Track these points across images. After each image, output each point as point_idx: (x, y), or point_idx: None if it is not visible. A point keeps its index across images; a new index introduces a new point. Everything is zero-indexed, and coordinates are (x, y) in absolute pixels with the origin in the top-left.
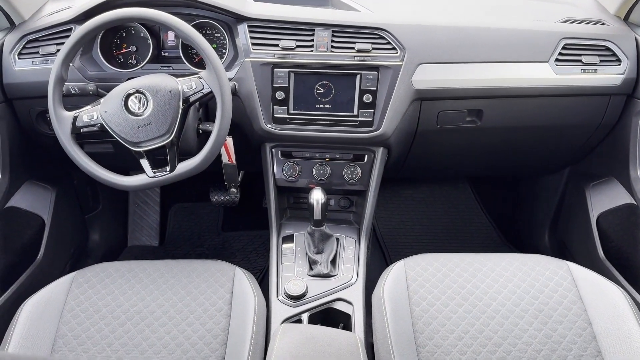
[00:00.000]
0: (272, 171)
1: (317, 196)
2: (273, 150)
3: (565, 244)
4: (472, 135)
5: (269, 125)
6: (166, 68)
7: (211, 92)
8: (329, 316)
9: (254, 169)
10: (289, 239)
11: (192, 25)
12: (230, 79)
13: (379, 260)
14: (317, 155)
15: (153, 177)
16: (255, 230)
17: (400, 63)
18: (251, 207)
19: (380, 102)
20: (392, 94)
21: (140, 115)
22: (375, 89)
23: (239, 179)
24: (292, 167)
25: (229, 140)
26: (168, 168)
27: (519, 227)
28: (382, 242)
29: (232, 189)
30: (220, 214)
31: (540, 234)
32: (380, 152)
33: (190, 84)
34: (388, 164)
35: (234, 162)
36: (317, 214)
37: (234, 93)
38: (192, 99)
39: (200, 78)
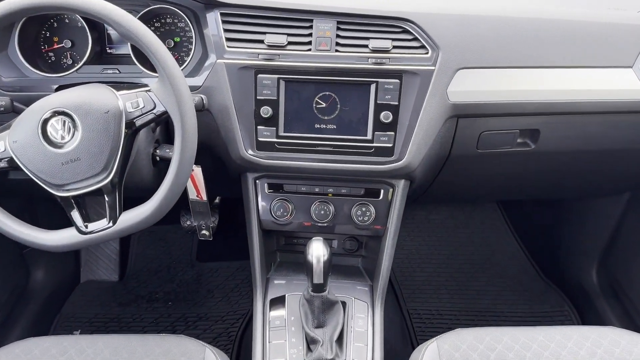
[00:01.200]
0: (255, 210)
1: (317, 252)
2: (257, 182)
3: (621, 282)
4: (522, 160)
5: (250, 152)
6: (111, 71)
7: (166, 112)
8: None
9: (235, 195)
10: (278, 302)
11: (145, 12)
12: (195, 90)
13: (391, 303)
14: (317, 190)
15: (86, 232)
16: (237, 261)
17: (432, 68)
18: (232, 232)
19: (403, 122)
20: (421, 110)
21: (65, 147)
22: (396, 103)
23: (214, 219)
24: (283, 206)
25: (197, 171)
26: (107, 220)
27: (559, 258)
28: (393, 277)
29: (204, 232)
30: (194, 240)
31: (587, 268)
32: (401, 186)
33: (135, 101)
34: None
35: (205, 198)
36: (318, 277)
37: (201, 109)
38: (138, 122)
39: (150, 92)
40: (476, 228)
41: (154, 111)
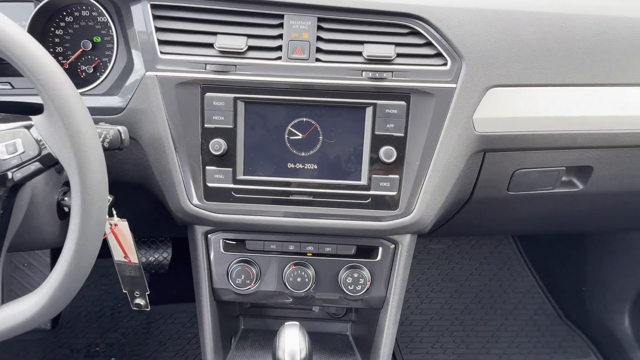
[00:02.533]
0: (205, 276)
1: (291, 346)
2: (210, 237)
3: None
4: (564, 203)
5: (196, 203)
6: (1, 85)
7: (57, 162)
8: None
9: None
10: None
11: (47, 3)
12: (116, 113)
13: None
14: (291, 248)
15: None
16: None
17: (453, 86)
18: (188, 268)
19: (412, 161)
20: (437, 144)
21: None
22: (402, 134)
23: (146, 288)
24: (245, 271)
25: (122, 227)
26: None
27: (584, 298)
28: None
29: (138, 301)
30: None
31: (619, 311)
32: (406, 242)
33: (12, 144)
34: None
35: (136, 260)
36: None
37: (118, 147)
38: (18, 175)
39: (30, 127)
40: (485, 259)
41: (40, 159)
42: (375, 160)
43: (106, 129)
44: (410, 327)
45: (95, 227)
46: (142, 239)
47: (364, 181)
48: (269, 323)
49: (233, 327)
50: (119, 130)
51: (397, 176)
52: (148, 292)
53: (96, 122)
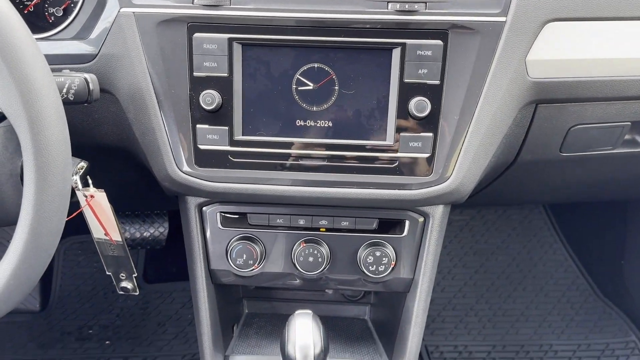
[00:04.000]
0: (201, 256)
1: (303, 340)
2: (205, 210)
3: None
4: (623, 165)
5: (186, 169)
6: None
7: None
8: None
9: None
10: None
11: None
12: (86, 61)
13: None
14: (302, 223)
15: None
16: None
17: (502, 19)
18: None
19: (450, 115)
20: (481, 94)
21: None
22: (438, 82)
23: (133, 270)
24: (247, 250)
25: (99, 199)
26: None
27: (622, 274)
28: None
29: (124, 284)
30: (140, 256)
31: None
32: (439, 214)
33: None
34: None
35: (118, 237)
36: None
37: (85, 100)
38: None
39: None
40: (513, 231)
41: None
42: (404, 115)
43: (70, 77)
44: (430, 306)
45: (56, 199)
46: (135, 213)
47: (389, 141)
48: (276, 307)
49: (235, 312)
50: (85, 79)
51: (430, 134)
52: (135, 274)
53: (60, 70)
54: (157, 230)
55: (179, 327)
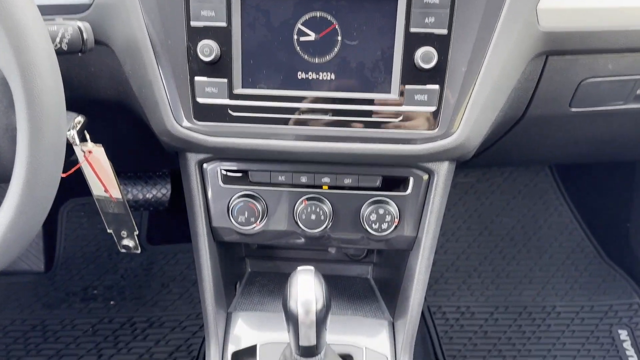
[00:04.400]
0: (202, 213)
1: (304, 297)
2: (205, 167)
3: None
4: (634, 121)
5: (186, 124)
6: None
7: None
8: None
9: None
10: (246, 356)
11: None
12: (80, 11)
13: None
14: (304, 180)
15: None
16: None
17: None
18: None
19: (457, 66)
20: (489, 44)
21: None
22: (445, 31)
23: (134, 227)
24: (249, 207)
25: (98, 154)
26: None
27: (628, 236)
28: None
29: (126, 242)
30: (144, 217)
31: None
32: (444, 171)
33: None
34: None
35: (118, 194)
36: (307, 337)
37: (80, 50)
38: None
39: None
40: (518, 194)
41: None
42: (409, 67)
43: (63, 25)
44: (433, 267)
45: (51, 149)
46: (137, 174)
47: (394, 94)
48: (279, 266)
49: (238, 271)
50: (79, 27)
51: (436, 86)
52: (137, 232)
53: (52, 18)
54: (160, 191)
55: (183, 288)
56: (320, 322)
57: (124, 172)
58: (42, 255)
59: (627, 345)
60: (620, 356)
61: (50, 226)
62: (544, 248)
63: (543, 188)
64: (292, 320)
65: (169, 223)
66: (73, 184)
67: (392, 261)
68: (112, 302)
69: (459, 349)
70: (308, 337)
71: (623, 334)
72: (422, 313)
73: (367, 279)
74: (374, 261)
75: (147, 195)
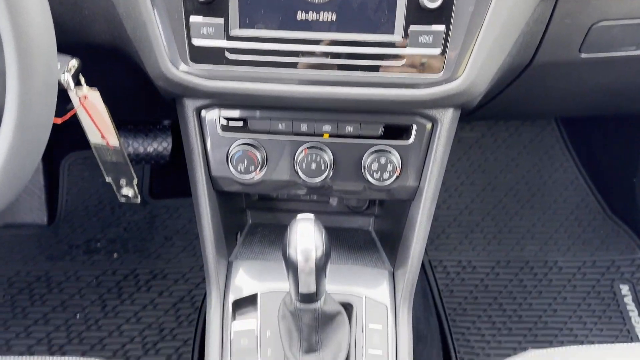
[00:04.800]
0: (201, 162)
1: (305, 244)
2: (203, 114)
3: None
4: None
5: (183, 68)
6: None
7: None
8: None
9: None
10: (246, 305)
11: None
12: None
13: None
14: (304, 129)
15: None
16: None
17: None
18: None
19: (464, 5)
20: None
21: None
22: None
23: (133, 176)
24: (248, 155)
25: (93, 99)
26: None
27: (634, 192)
28: None
29: (125, 191)
30: (146, 170)
31: None
32: (448, 118)
33: None
34: None
35: (115, 142)
36: (307, 285)
37: None
38: None
39: None
40: (523, 149)
41: None
42: (414, 6)
43: None
44: (435, 222)
45: (42, 88)
46: (137, 127)
47: (397, 35)
48: (280, 217)
49: (239, 222)
50: None
51: (442, 27)
52: (136, 180)
53: None
54: (161, 145)
55: (186, 241)
56: (320, 270)
57: (123, 124)
58: (45, 208)
59: (628, 300)
60: (620, 310)
61: (51, 179)
62: (547, 203)
63: (549, 143)
64: (291, 267)
65: (171, 177)
66: (73, 136)
67: (393, 213)
68: (115, 255)
69: (459, 302)
70: (307, 285)
71: (624, 289)
72: (423, 266)
73: (368, 231)
74: (375, 213)
75: (148, 149)
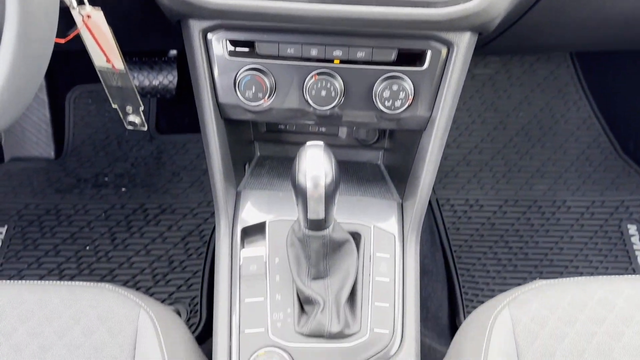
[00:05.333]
0: (208, 87)
1: (315, 170)
2: (210, 37)
3: None
4: None
5: None
6: None
7: None
8: None
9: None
10: (255, 233)
11: None
12: None
13: None
14: (314, 53)
15: None
16: None
17: None
18: None
19: None
20: None
21: None
22: None
23: (140, 103)
24: (256, 81)
25: (96, 18)
26: None
27: None
28: None
29: (131, 118)
30: (152, 105)
31: None
32: (464, 43)
33: None
34: None
35: (120, 65)
36: (315, 211)
37: None
38: None
39: None
40: (537, 87)
41: None
42: None
43: None
44: (444, 161)
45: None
46: (142, 59)
47: None
48: (288, 150)
49: (247, 154)
50: None
51: None
52: (142, 107)
53: None
54: (166, 78)
55: (194, 177)
56: (329, 197)
57: (127, 54)
58: (52, 142)
59: (635, 239)
60: (627, 250)
61: (58, 113)
62: (559, 143)
63: (563, 81)
64: (300, 194)
65: (177, 112)
66: (79, 68)
67: (403, 145)
68: (123, 189)
69: (466, 239)
70: (316, 211)
71: (632, 229)
72: (430, 204)
73: (377, 164)
74: (384, 147)
75: (154, 82)
